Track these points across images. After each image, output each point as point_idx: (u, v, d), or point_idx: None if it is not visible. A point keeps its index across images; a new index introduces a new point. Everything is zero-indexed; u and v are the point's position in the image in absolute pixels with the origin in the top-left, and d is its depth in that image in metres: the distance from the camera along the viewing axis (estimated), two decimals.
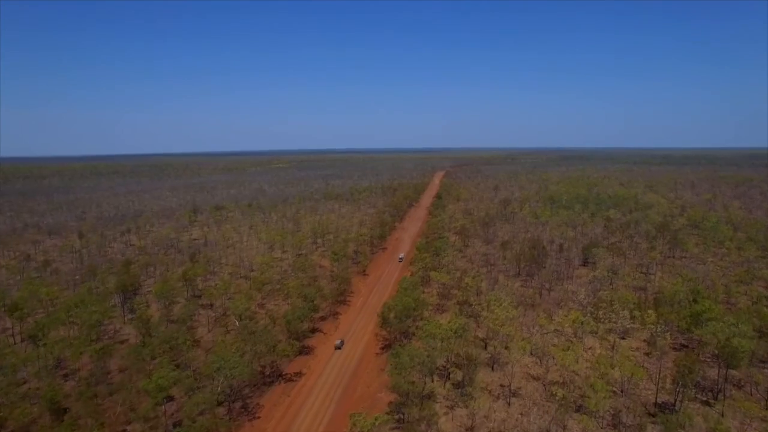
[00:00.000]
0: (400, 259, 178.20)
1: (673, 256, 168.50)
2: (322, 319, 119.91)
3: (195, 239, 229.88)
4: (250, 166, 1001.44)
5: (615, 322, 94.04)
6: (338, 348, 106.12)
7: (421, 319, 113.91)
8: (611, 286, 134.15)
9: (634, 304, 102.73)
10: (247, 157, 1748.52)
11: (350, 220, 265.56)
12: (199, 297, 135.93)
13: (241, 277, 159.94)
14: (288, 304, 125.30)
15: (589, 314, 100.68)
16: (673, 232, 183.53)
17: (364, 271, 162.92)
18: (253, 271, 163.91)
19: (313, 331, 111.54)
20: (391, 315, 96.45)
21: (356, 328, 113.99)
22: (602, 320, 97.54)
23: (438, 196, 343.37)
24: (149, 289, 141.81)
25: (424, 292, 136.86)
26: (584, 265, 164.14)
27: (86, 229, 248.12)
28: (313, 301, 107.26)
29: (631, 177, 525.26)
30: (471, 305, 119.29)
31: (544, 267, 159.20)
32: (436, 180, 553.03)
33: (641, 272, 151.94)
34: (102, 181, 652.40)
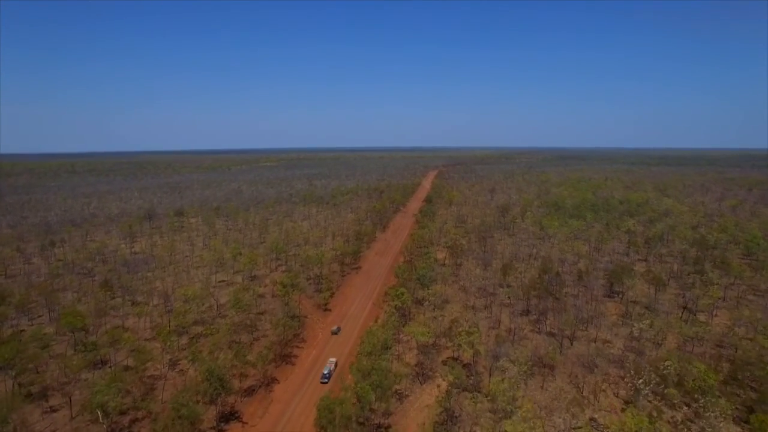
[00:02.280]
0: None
1: (719, 284, 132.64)
2: (248, 392, 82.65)
3: (136, 253, 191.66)
4: (236, 165, 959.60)
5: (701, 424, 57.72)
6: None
7: (393, 394, 77.48)
8: (654, 332, 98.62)
9: (713, 380, 66.75)
10: (237, 155, 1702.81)
11: (324, 229, 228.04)
12: (94, 348, 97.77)
13: (167, 311, 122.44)
14: (215, 358, 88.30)
15: (651, 407, 64.12)
16: (715, 252, 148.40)
17: (326, 304, 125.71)
18: (186, 302, 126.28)
19: (227, 418, 74.33)
20: (336, 414, 59.76)
21: (294, 412, 76.80)
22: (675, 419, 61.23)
23: (428, 200, 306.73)
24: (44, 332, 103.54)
25: (397, 341, 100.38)
26: (610, 297, 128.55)
27: (9, 238, 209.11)
28: (221, 380, 70.18)
29: (635, 179, 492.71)
30: (467, 374, 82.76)
31: (558, 299, 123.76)
32: (427, 180, 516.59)
33: (684, 306, 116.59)
34: (72, 180, 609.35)
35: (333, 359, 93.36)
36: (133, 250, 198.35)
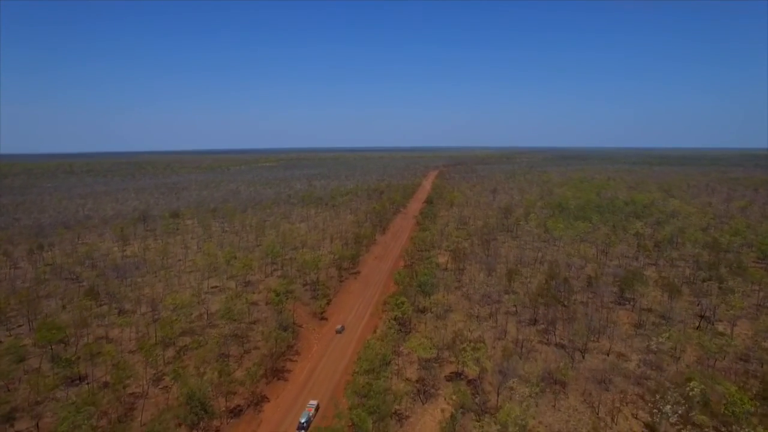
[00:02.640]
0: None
1: (739, 292, 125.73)
2: (235, 413, 76.34)
3: (127, 257, 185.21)
4: (235, 165, 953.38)
5: None
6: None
7: (392, 415, 71.11)
8: (671, 344, 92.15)
9: (749, 406, 60.28)
10: (236, 155, 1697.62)
11: (323, 232, 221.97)
12: (68, 365, 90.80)
13: (154, 320, 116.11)
14: (202, 374, 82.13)
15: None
16: (729, 256, 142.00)
17: (322, 312, 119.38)
18: (175, 310, 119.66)
19: None
20: None
21: None
22: None
23: (428, 201, 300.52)
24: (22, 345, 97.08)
25: (397, 354, 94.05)
26: (621, 304, 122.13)
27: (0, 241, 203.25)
28: (203, 403, 63.96)
29: (638, 179, 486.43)
30: (472, 392, 76.40)
31: (567, 306, 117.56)
32: (428, 181, 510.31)
33: (701, 315, 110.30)
34: (69, 181, 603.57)
35: (314, 402, 77.08)
36: (124, 253, 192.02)
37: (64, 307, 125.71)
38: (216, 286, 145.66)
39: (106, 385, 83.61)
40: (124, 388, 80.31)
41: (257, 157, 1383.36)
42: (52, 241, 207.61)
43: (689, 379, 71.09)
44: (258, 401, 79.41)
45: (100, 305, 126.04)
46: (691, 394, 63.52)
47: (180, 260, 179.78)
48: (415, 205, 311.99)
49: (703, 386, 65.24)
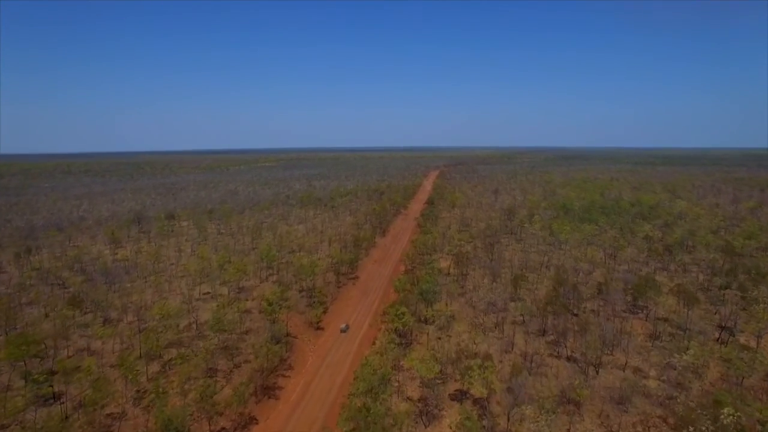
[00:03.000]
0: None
1: (757, 300, 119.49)
2: None
3: (118, 260, 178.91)
4: (234, 165, 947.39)
5: None
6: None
7: None
8: (692, 358, 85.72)
9: None
10: (236, 155, 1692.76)
11: (321, 234, 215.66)
12: (51, 378, 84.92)
13: (141, 331, 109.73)
14: (186, 391, 75.92)
15: None
16: (744, 260, 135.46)
17: (318, 321, 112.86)
18: (162, 319, 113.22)
19: None
20: None
21: None
22: None
23: (429, 202, 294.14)
24: None
25: (398, 369, 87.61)
26: (634, 313, 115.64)
27: None
28: None
29: (641, 179, 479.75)
30: (479, 412, 69.99)
31: (576, 315, 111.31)
32: (429, 181, 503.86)
33: (721, 326, 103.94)
34: (66, 181, 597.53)
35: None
36: (115, 257, 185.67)
37: (46, 315, 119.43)
38: (208, 293, 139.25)
39: (82, 404, 77.35)
40: (101, 408, 74.12)
41: (257, 157, 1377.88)
42: (41, 243, 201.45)
43: (718, 401, 64.78)
44: (246, 423, 72.94)
45: (85, 313, 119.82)
46: (725, 422, 57.09)
47: (172, 264, 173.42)
48: (416, 206, 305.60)
49: (738, 413, 58.81)
